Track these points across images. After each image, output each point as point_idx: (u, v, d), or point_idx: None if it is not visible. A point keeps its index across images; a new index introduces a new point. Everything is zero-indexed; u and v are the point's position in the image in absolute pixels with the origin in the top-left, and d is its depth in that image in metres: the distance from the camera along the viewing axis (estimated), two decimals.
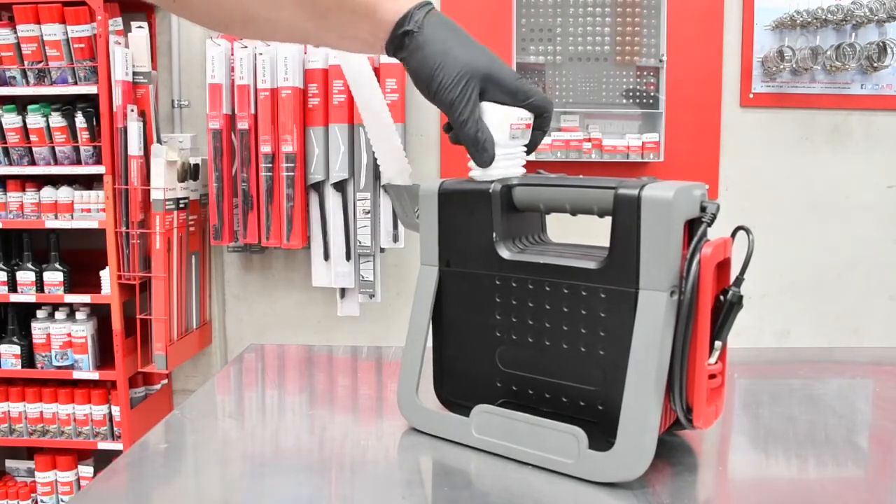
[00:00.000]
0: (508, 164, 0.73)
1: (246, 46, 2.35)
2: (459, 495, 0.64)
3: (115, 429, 2.47)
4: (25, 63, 2.34)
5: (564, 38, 2.43)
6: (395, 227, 2.42)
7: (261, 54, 2.34)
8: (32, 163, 2.41)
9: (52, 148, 2.39)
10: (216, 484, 0.69)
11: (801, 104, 2.50)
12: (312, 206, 2.44)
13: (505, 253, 0.71)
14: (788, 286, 2.57)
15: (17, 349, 2.43)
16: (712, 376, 0.64)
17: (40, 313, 2.45)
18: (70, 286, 2.44)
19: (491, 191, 0.71)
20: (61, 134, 2.36)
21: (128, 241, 2.35)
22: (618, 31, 2.42)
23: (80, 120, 2.35)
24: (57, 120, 2.36)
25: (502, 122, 0.71)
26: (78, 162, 2.40)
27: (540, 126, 0.74)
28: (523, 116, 0.72)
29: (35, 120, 2.35)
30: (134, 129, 2.32)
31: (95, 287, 2.40)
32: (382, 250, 2.47)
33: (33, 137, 2.37)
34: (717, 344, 0.64)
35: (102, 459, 2.57)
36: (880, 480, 0.69)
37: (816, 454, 0.73)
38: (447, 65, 0.68)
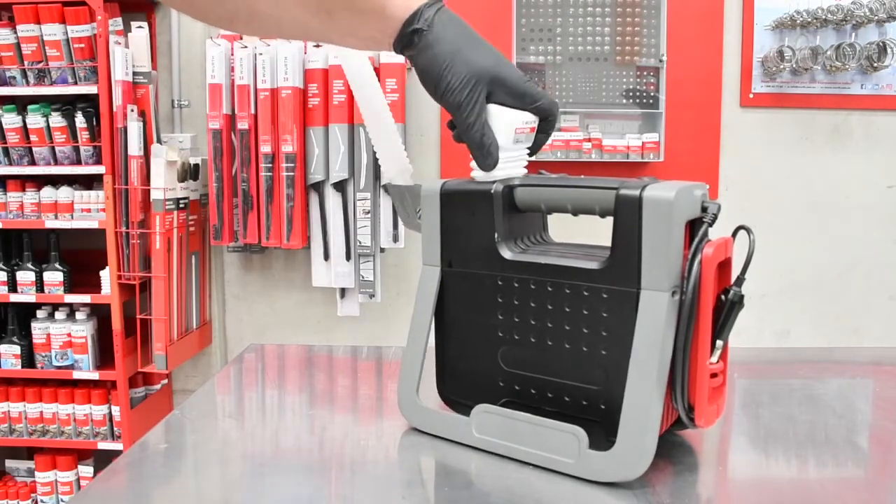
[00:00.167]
0: (511, 165, 0.73)
1: (246, 46, 2.35)
2: (460, 495, 0.64)
3: (115, 429, 2.47)
4: (25, 63, 2.34)
5: (564, 38, 2.43)
6: (396, 227, 2.42)
7: (261, 54, 2.34)
8: (32, 163, 2.41)
9: (52, 148, 2.39)
10: (216, 484, 0.69)
11: (801, 104, 2.50)
12: (312, 206, 2.44)
13: (507, 253, 0.71)
14: (788, 286, 2.57)
15: (17, 349, 2.43)
16: (714, 375, 0.65)
17: (40, 313, 2.45)
18: (70, 286, 2.44)
19: (493, 191, 0.71)
20: (61, 134, 2.36)
21: (128, 241, 2.35)
22: (618, 31, 2.42)
23: (80, 120, 2.35)
24: (57, 120, 2.36)
25: (508, 126, 0.71)
26: (78, 162, 2.40)
27: (544, 129, 0.74)
28: (528, 120, 0.72)
29: (35, 120, 2.35)
30: (134, 129, 2.31)
31: (95, 287, 2.40)
32: (382, 250, 2.47)
33: (33, 137, 2.37)
34: (719, 343, 0.64)
35: (102, 459, 2.57)
36: (880, 480, 0.69)
37: (816, 454, 0.73)
38: (456, 66, 0.68)
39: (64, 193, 2.40)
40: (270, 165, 2.37)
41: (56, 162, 2.40)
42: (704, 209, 0.64)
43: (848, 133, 2.52)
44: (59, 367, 2.43)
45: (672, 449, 0.71)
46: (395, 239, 2.43)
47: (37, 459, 2.51)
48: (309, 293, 2.61)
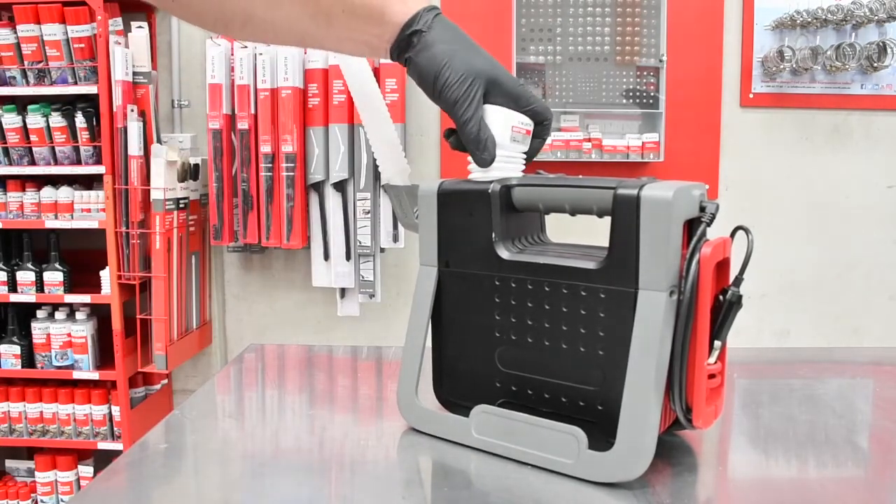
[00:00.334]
0: (508, 165, 0.73)
1: (246, 46, 2.35)
2: (459, 495, 0.64)
3: (115, 429, 2.47)
4: (25, 63, 2.34)
5: (564, 38, 2.43)
6: (395, 227, 2.42)
7: (261, 54, 2.34)
8: (32, 163, 2.41)
9: (52, 148, 2.39)
10: (216, 484, 0.69)
11: (801, 104, 2.50)
12: (312, 206, 2.44)
13: (504, 253, 0.71)
14: (788, 286, 2.57)
15: (17, 349, 2.43)
16: (712, 376, 0.64)
17: (40, 313, 2.45)
18: (70, 286, 2.44)
19: (490, 191, 0.71)
20: (61, 134, 2.37)
21: (128, 241, 2.35)
22: (618, 31, 2.42)
23: (80, 120, 2.35)
24: (57, 120, 2.36)
25: (504, 123, 0.71)
26: (78, 162, 2.40)
27: (540, 134, 0.75)
28: (524, 121, 0.73)
29: (35, 120, 2.36)
30: (134, 129, 2.32)
31: (95, 287, 2.40)
32: (382, 250, 2.47)
33: (33, 137, 2.37)
34: (717, 344, 0.64)
35: (102, 459, 2.57)
36: (880, 480, 0.69)
37: (816, 454, 0.73)
38: (454, 64, 0.69)
39: (64, 193, 2.40)
40: (270, 165, 2.37)
41: (56, 162, 2.41)
42: (703, 209, 0.64)
43: (848, 133, 2.52)
44: (59, 367, 2.44)
45: (671, 449, 0.71)
46: (395, 239, 2.43)
47: (37, 459, 2.51)
48: (309, 293, 2.62)
